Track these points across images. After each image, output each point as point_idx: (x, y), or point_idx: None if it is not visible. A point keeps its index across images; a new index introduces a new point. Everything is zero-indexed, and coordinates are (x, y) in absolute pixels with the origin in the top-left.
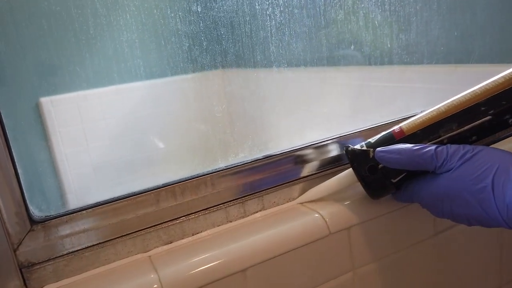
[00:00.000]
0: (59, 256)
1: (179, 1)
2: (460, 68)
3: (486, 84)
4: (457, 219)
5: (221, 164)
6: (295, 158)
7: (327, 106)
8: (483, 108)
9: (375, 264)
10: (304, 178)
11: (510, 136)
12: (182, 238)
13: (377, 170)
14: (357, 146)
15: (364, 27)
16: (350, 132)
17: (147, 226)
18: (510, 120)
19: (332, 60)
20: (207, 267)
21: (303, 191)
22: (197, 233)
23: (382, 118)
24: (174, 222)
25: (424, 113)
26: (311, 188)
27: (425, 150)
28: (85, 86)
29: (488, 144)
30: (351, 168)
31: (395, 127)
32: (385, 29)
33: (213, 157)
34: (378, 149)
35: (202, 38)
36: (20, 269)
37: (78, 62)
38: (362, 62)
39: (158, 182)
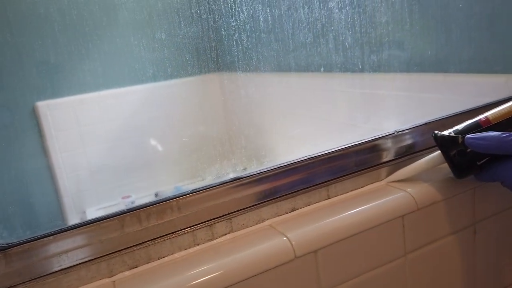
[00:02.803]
0: (21, 283)
1: None
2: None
3: None
4: None
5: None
6: (265, 179)
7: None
8: None
9: (342, 287)
10: (276, 199)
11: None
12: (148, 263)
13: (466, 154)
14: (445, 133)
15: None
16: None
17: (112, 251)
18: None
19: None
20: None
21: (275, 213)
22: (163, 257)
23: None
24: (140, 246)
25: (508, 105)
26: (299, 204)
27: None
28: (81, 89)
29: None
30: (439, 151)
31: (481, 116)
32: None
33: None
34: (469, 135)
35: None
36: None
37: (75, 66)
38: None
39: (156, 185)
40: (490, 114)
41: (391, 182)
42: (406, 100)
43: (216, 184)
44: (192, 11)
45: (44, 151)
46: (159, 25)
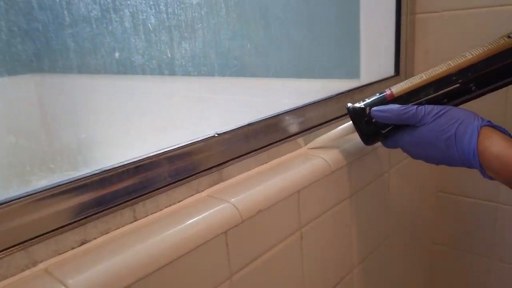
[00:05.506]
0: None
1: None
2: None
3: (457, 59)
4: (429, 160)
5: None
6: (33, 205)
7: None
8: (453, 78)
9: None
10: (54, 232)
11: (472, 99)
12: None
13: (371, 123)
14: (357, 104)
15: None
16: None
17: None
18: (473, 88)
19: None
20: None
21: (54, 252)
22: None
23: None
24: None
25: (409, 80)
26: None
27: (408, 109)
28: None
29: (456, 105)
30: (351, 122)
31: (387, 91)
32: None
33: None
34: (374, 108)
35: None
36: None
37: None
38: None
39: None
40: (394, 89)
41: (310, 148)
42: (227, 102)
43: None
44: None
45: None
46: None
